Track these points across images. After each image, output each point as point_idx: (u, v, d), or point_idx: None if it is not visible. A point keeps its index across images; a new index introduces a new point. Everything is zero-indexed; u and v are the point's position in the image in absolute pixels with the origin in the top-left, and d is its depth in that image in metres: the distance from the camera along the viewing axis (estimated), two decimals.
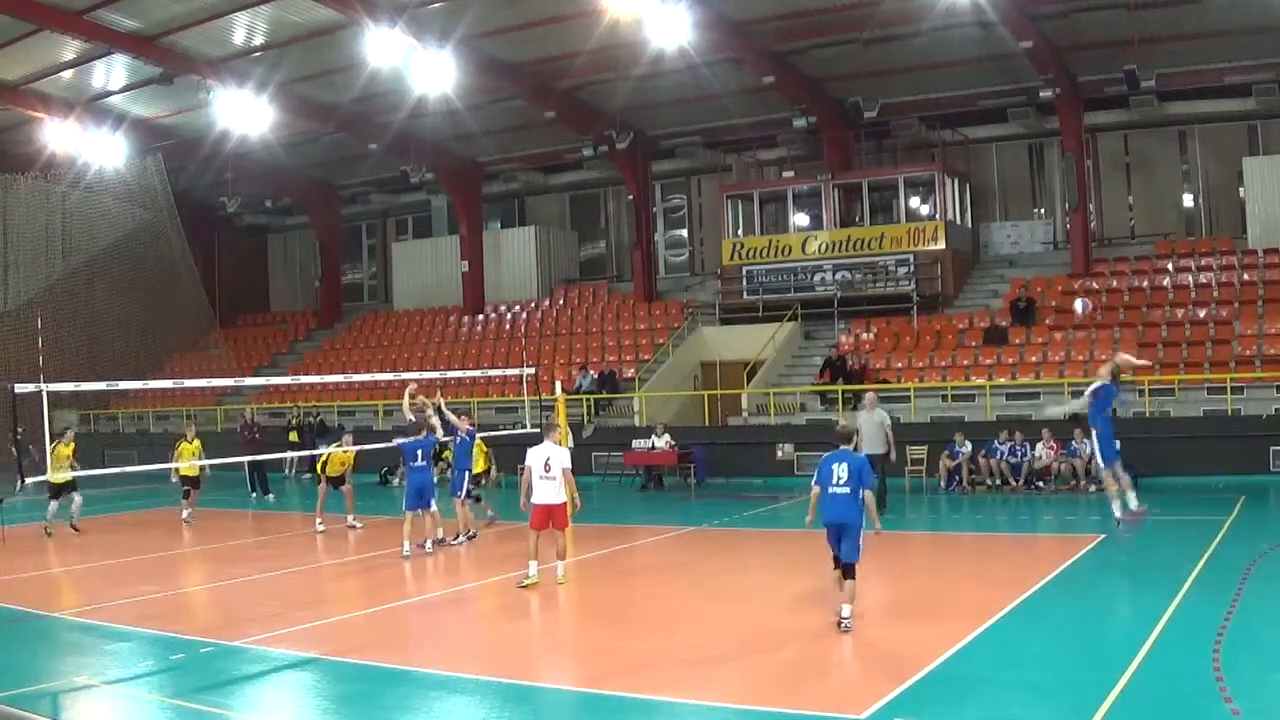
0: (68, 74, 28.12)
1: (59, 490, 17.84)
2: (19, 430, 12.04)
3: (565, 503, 12.26)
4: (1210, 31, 24.03)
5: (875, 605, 11.50)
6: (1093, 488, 19.77)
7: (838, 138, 30.04)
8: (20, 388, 11.99)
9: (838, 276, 29.06)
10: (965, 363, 25.53)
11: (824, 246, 29.51)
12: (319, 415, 30.94)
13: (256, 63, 26.81)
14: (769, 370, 27.38)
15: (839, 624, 9.78)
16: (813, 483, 10.08)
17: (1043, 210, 31.15)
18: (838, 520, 9.78)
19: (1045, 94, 26.24)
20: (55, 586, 14.28)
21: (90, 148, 29.81)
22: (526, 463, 12.21)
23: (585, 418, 27.10)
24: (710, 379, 29.30)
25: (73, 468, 18.03)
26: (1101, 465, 13.21)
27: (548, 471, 12.01)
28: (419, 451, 15.19)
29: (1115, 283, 27.11)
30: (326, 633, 10.56)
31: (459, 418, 15.98)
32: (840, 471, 9.74)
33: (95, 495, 21.10)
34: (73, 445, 18.85)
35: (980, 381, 24.27)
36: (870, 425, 17.37)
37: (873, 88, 27.86)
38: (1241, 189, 27.94)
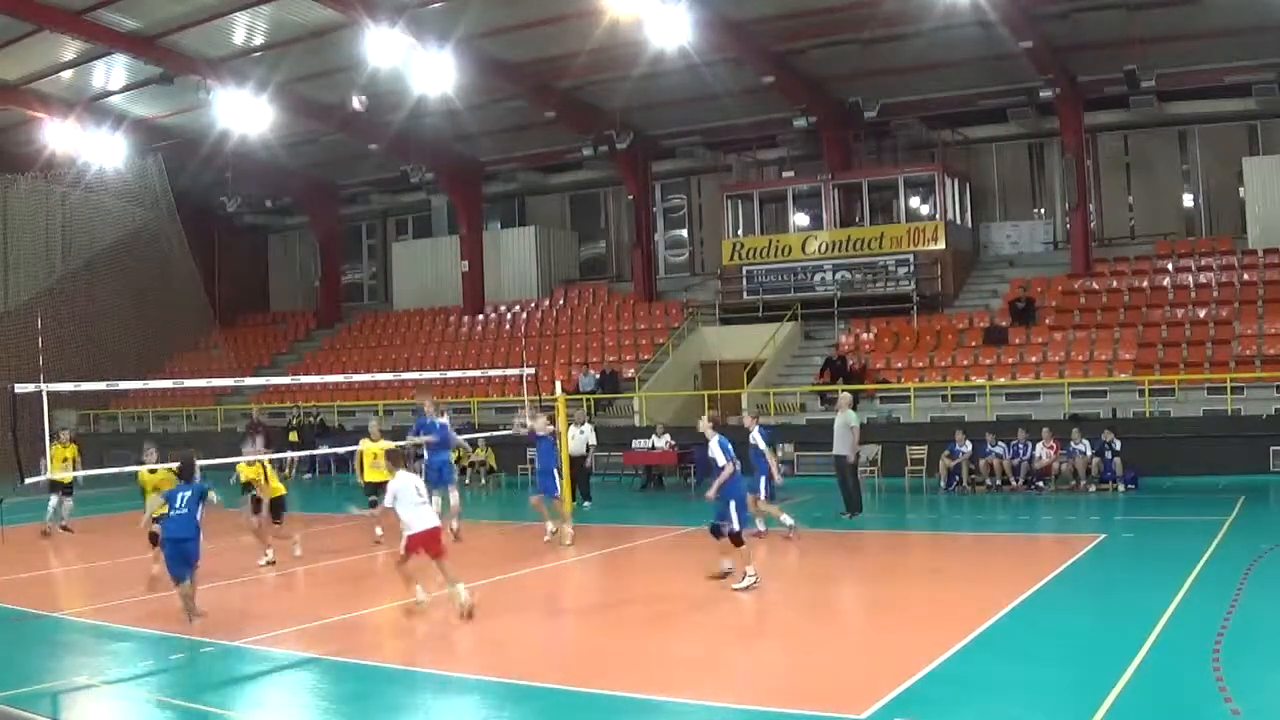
0: (68, 74, 28.12)
1: (57, 488, 17.86)
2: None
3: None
4: (1210, 31, 24.02)
5: (875, 605, 11.51)
6: (1092, 488, 19.79)
7: (838, 138, 30.03)
8: (20, 388, 11.99)
9: (838, 276, 29.05)
10: (965, 363, 25.53)
11: (824, 246, 29.51)
12: (319, 415, 30.95)
13: (256, 63, 26.80)
14: (769, 370, 27.37)
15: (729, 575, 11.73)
16: (730, 463, 11.56)
17: (1043, 210, 31.15)
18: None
19: (1045, 94, 26.25)
20: (55, 586, 14.30)
21: (90, 148, 29.82)
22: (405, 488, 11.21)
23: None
24: (710, 379, 29.29)
25: (75, 466, 17.94)
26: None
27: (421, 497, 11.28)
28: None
29: (1115, 283, 27.11)
30: (326, 633, 10.56)
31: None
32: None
33: (94, 495, 21.11)
34: (73, 447, 18.83)
35: (980, 381, 24.26)
36: (837, 425, 17.60)
37: (873, 88, 27.85)
38: (1241, 189, 27.95)
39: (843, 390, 20.80)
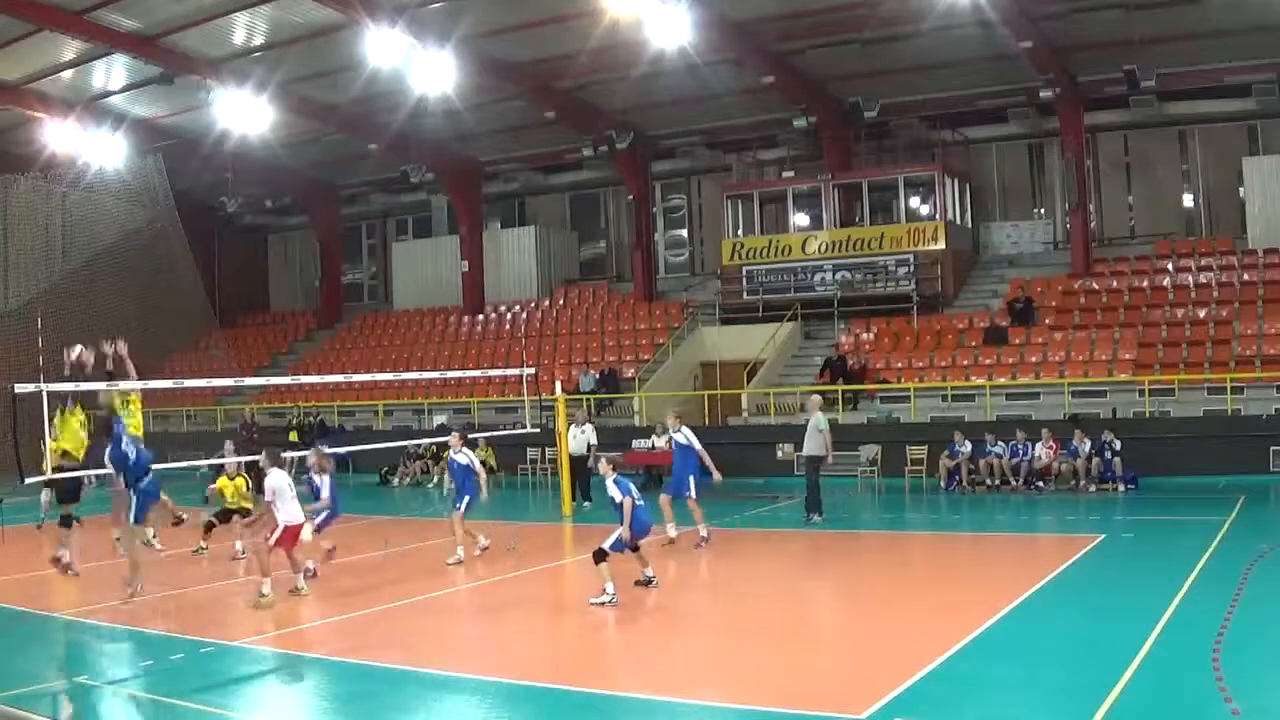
0: (68, 74, 28.12)
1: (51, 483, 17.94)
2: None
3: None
4: (1210, 31, 24.02)
5: (876, 605, 11.51)
6: (1092, 488, 19.80)
7: (838, 138, 30.04)
8: (20, 388, 11.99)
9: (838, 276, 29.06)
10: (965, 363, 25.54)
11: (824, 246, 29.51)
12: (319, 415, 30.96)
13: (256, 63, 26.79)
14: (769, 370, 27.38)
15: (651, 582, 11.91)
16: (627, 497, 11.51)
17: (1043, 210, 31.15)
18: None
19: (1045, 94, 26.26)
20: (55, 586, 14.27)
21: (90, 148, 29.79)
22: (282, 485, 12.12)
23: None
24: (710, 379, 29.28)
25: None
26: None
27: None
28: None
29: (1115, 283, 27.12)
30: (326, 633, 10.56)
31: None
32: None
33: (94, 495, 21.05)
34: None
35: (980, 381, 24.27)
36: (808, 428, 17.69)
37: (873, 88, 27.86)
38: (1241, 189, 27.95)
39: (812, 394, 20.89)
